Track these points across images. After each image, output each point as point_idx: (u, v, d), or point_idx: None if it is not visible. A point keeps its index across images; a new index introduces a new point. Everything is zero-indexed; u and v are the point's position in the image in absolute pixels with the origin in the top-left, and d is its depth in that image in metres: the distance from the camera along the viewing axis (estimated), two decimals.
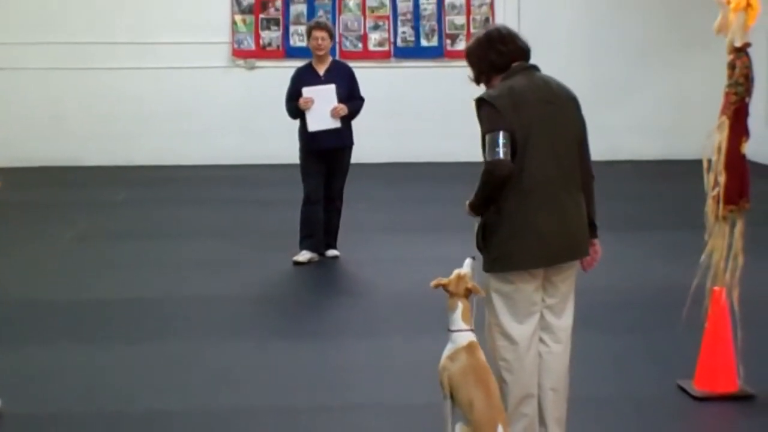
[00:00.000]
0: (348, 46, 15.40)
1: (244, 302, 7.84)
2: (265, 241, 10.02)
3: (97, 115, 15.26)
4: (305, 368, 6.29)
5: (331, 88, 8.93)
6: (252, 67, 15.43)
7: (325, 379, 6.12)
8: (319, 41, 9.08)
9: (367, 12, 15.59)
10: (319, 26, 9.23)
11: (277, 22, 15.49)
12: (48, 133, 15.11)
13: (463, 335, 4.75)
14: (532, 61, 4.92)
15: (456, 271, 4.80)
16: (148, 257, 9.44)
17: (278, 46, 15.44)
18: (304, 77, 9.07)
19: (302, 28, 14.86)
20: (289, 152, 9.85)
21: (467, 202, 4.85)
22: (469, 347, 4.72)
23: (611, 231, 10.47)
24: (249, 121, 15.33)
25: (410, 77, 15.51)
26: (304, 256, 9.02)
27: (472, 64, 4.97)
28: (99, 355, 6.57)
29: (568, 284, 4.89)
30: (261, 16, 15.47)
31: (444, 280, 4.80)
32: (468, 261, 4.84)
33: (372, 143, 13.35)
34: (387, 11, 15.60)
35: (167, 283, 8.51)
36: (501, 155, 4.66)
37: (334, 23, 14.87)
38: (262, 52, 15.42)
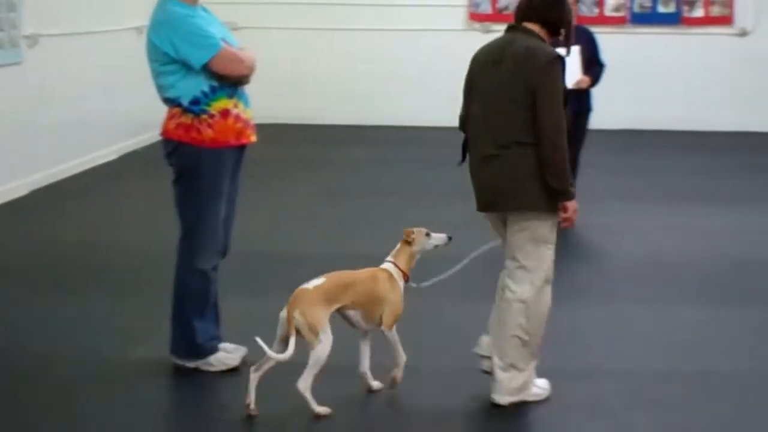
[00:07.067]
0: (584, 10, 15.28)
1: None
2: None
3: (336, 75, 15.72)
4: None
5: (575, 50, 8.89)
6: (487, 31, 15.53)
7: (558, 342, 6.20)
8: None
9: None
10: None
11: None
12: (291, 91, 15.60)
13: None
14: None
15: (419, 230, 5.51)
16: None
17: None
18: None
19: None
20: None
21: None
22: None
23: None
24: None
25: (646, 43, 15.30)
26: None
27: None
28: None
29: (513, 236, 5.21)
30: None
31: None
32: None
33: (607, 109, 13.30)
34: None
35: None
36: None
37: None
38: (498, 15, 15.51)
